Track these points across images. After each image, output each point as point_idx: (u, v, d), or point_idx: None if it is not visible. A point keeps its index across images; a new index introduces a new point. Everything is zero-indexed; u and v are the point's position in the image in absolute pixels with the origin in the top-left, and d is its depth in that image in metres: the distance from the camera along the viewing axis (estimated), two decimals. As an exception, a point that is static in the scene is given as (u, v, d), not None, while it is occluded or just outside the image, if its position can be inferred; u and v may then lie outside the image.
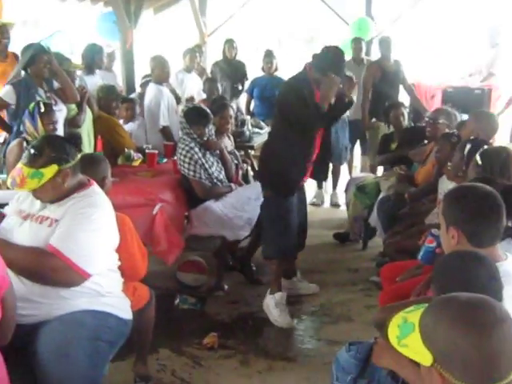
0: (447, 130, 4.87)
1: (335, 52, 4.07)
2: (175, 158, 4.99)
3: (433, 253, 2.79)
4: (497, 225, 2.16)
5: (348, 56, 7.58)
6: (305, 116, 3.92)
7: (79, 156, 2.68)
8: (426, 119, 5.18)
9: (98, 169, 3.10)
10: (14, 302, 2.24)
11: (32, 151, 2.56)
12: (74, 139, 2.74)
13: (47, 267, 2.44)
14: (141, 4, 7.33)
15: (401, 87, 7.28)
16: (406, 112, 5.96)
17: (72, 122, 5.05)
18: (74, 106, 5.12)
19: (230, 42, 8.13)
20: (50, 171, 2.52)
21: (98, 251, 2.56)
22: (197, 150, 4.61)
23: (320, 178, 5.60)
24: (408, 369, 1.96)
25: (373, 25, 8.48)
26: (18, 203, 2.74)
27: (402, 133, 5.84)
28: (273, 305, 4.23)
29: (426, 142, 5.30)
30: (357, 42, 7.69)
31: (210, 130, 4.80)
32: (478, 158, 3.07)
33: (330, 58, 4.00)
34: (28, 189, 2.56)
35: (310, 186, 7.89)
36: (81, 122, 5.11)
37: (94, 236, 2.54)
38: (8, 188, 2.91)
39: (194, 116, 4.71)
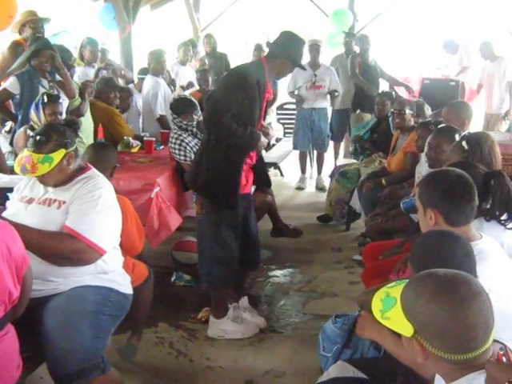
0: (412, 120, 4.89)
1: (291, 36, 3.52)
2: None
3: (413, 205, 2.75)
4: (470, 203, 2.17)
5: (341, 49, 7.62)
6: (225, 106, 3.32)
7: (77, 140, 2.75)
8: (392, 110, 5.14)
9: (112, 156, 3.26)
10: (32, 280, 2.27)
11: (38, 138, 2.56)
12: (72, 124, 2.75)
13: (69, 249, 2.46)
14: (138, 1, 7.31)
15: (381, 81, 7.29)
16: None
17: (76, 112, 5.01)
18: (77, 96, 5.06)
19: (208, 37, 8.16)
20: (58, 155, 2.55)
21: (108, 229, 2.60)
22: (185, 135, 4.58)
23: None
24: (389, 340, 1.97)
25: (351, 16, 8.47)
26: (19, 192, 2.74)
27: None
28: (230, 326, 3.67)
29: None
30: (348, 36, 7.66)
31: (199, 116, 4.76)
32: (464, 143, 3.01)
33: (285, 43, 3.50)
34: (40, 174, 2.56)
35: (294, 170, 7.95)
36: (84, 111, 5.06)
37: (104, 215, 2.57)
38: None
39: (180, 106, 4.68)
